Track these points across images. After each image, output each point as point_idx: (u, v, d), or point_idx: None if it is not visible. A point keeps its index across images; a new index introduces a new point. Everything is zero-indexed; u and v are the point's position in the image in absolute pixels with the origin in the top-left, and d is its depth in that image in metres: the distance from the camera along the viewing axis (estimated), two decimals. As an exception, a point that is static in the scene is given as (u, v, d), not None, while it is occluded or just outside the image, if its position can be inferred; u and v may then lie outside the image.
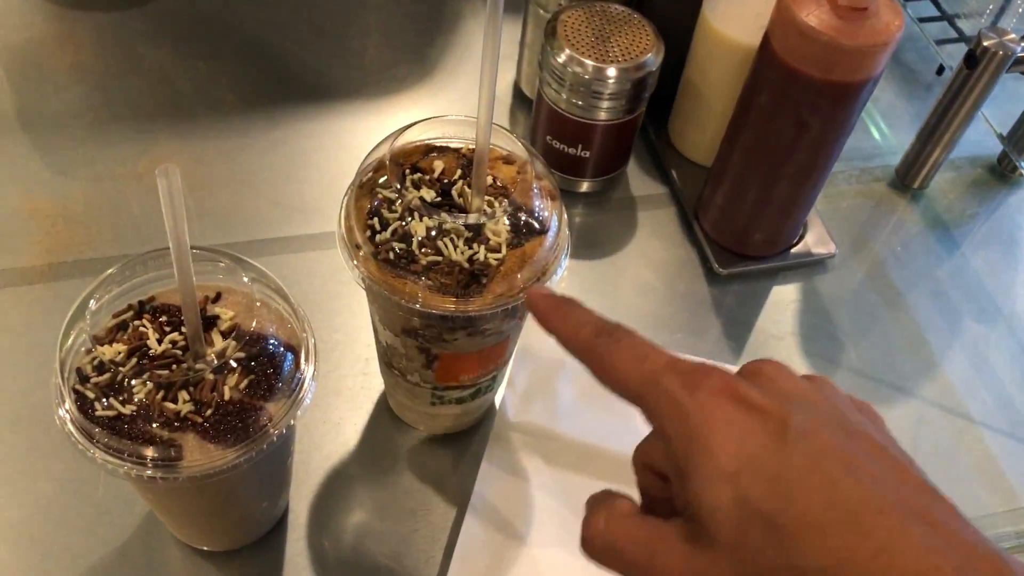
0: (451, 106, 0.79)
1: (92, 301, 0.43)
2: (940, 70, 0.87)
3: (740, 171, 0.66)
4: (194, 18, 0.82)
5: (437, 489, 0.57)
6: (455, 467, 0.59)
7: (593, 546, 0.31)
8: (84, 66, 0.77)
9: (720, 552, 0.27)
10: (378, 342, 0.54)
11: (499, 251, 0.46)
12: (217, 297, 0.47)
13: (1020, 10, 0.85)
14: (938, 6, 0.90)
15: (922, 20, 0.89)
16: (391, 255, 0.46)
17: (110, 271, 0.44)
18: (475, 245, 0.46)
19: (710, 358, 0.64)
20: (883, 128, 0.84)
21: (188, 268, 0.39)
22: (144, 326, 0.45)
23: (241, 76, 0.78)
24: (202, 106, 0.76)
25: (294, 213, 0.70)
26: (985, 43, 0.66)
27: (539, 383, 0.61)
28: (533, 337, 0.63)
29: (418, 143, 0.50)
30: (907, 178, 0.78)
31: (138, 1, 0.82)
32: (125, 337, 0.45)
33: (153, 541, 0.54)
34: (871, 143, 0.83)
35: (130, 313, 0.46)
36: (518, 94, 0.80)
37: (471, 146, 0.50)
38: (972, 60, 0.67)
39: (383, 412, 0.60)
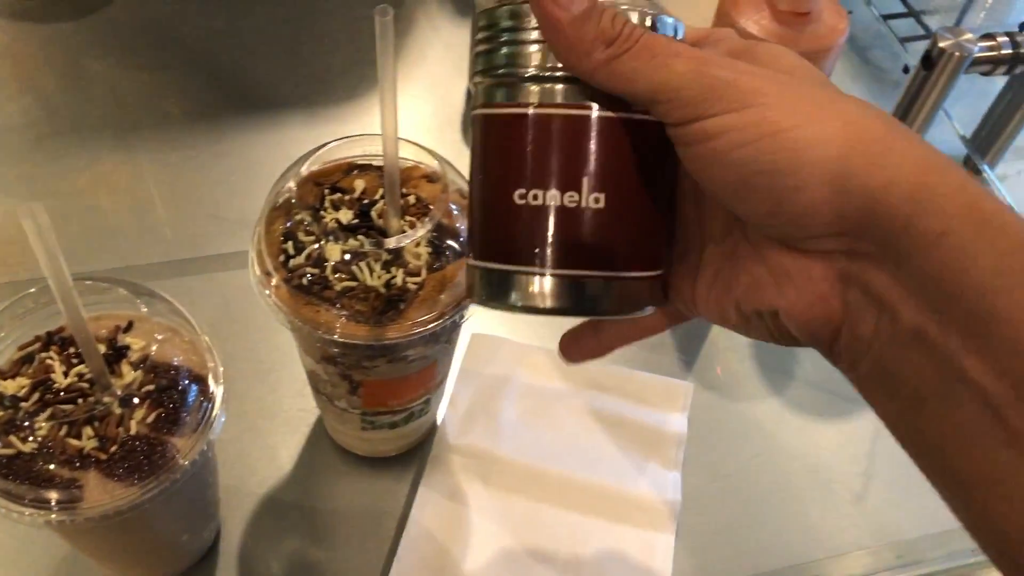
0: (403, 115, 0.77)
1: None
2: (906, 69, 0.85)
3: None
4: (139, 28, 0.81)
5: (374, 515, 0.56)
6: (394, 490, 0.57)
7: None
8: (25, 79, 0.76)
9: None
10: (304, 367, 0.52)
11: (418, 275, 0.45)
12: (129, 326, 0.45)
13: (988, 3, 0.83)
14: (904, 2, 0.88)
15: (888, 17, 0.87)
16: (304, 281, 0.44)
17: (4, 307, 0.43)
18: (393, 268, 0.44)
19: (663, 372, 0.63)
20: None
21: (74, 304, 0.37)
22: (51, 358, 0.44)
23: (187, 87, 0.77)
24: (146, 118, 0.74)
25: (238, 228, 0.68)
26: (941, 44, 0.64)
27: (482, 402, 0.60)
28: (477, 354, 0.62)
29: (340, 161, 0.49)
30: (870, 181, 0.76)
31: (82, 11, 0.81)
32: (30, 370, 0.43)
33: (79, 574, 0.52)
34: (835, 145, 0.81)
35: (37, 345, 0.44)
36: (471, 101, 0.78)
37: (395, 164, 0.48)
38: (928, 61, 0.65)
39: (320, 435, 0.59)
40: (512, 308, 0.31)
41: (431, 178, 0.49)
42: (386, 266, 0.44)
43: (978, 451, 0.25)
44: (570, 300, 0.30)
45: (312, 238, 0.45)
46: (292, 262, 0.45)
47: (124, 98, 0.75)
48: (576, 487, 0.57)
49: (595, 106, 0.29)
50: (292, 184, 0.46)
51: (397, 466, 0.58)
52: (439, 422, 0.59)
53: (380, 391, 0.49)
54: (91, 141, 0.72)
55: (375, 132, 0.48)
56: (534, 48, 0.29)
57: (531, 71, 0.29)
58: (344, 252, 0.44)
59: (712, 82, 0.27)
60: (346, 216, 0.46)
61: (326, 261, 0.44)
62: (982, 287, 0.24)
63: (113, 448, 0.41)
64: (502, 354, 0.62)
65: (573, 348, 0.35)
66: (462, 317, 0.46)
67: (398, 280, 0.44)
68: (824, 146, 0.26)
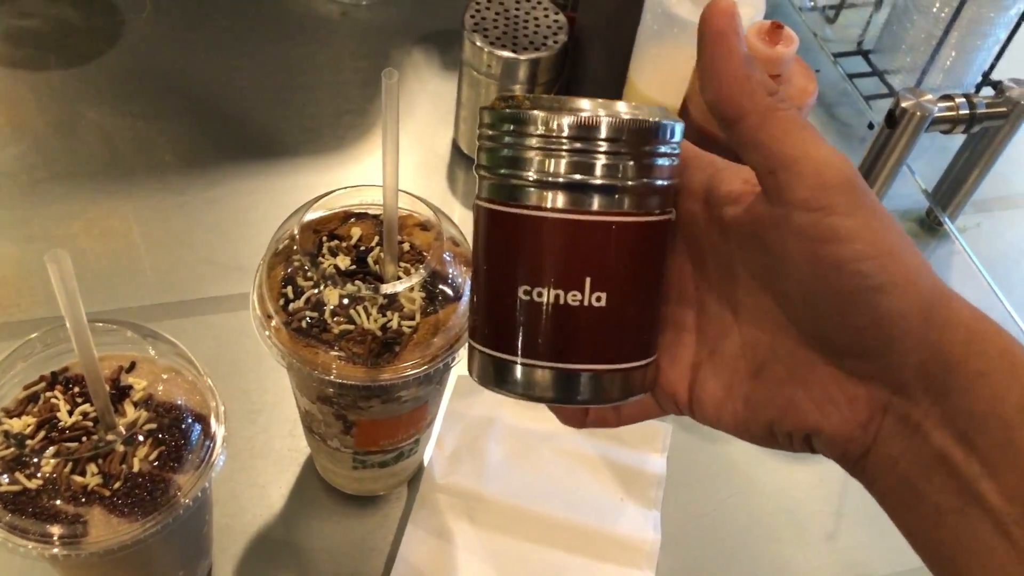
0: (390, 163, 0.79)
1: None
2: (871, 125, 0.89)
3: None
4: (136, 77, 0.83)
5: (363, 553, 0.57)
6: (382, 528, 0.58)
7: None
8: (22, 125, 0.78)
9: None
10: (298, 407, 0.54)
11: (413, 319, 0.47)
12: (132, 367, 0.47)
13: (947, 63, 0.88)
14: (869, 62, 0.92)
15: (854, 76, 0.91)
16: (303, 324, 0.46)
17: (14, 350, 0.44)
18: (389, 313, 0.46)
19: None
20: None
21: (88, 345, 0.39)
22: (56, 397, 0.45)
23: (180, 135, 0.79)
24: (141, 165, 0.76)
25: (230, 272, 0.70)
26: (903, 104, 0.68)
27: (468, 443, 0.62)
28: (462, 396, 0.64)
29: (337, 210, 0.51)
30: (838, 232, 0.80)
31: (78, 61, 0.83)
32: (35, 409, 0.45)
33: (72, 610, 0.53)
34: (805, 197, 0.84)
35: (42, 384, 0.46)
36: (456, 152, 0.81)
37: (389, 213, 0.51)
38: (892, 120, 0.69)
39: (310, 474, 0.60)
40: (511, 394, 0.32)
41: (424, 226, 0.51)
42: (382, 310, 0.46)
43: (989, 564, 0.27)
44: (567, 391, 0.32)
45: (311, 283, 0.47)
46: (292, 306, 0.47)
47: (118, 145, 0.77)
48: (560, 526, 0.58)
49: (596, 211, 0.30)
50: (292, 231, 0.48)
51: (385, 505, 0.59)
52: (426, 462, 0.61)
53: (373, 431, 0.51)
54: (85, 187, 0.74)
55: (368, 183, 0.51)
56: (537, 154, 0.30)
57: (534, 176, 0.30)
58: (342, 296, 0.46)
59: (851, 176, 0.28)
60: (344, 262, 0.48)
61: (325, 305, 0.46)
62: (1007, 421, 0.27)
63: (117, 484, 0.43)
64: (487, 396, 0.64)
65: (578, 419, 0.36)
66: (453, 360, 0.48)
67: (393, 324, 0.46)
68: (922, 278, 0.28)
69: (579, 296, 0.30)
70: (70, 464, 0.43)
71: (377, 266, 0.49)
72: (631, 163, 0.30)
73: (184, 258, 0.71)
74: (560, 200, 0.30)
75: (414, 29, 0.91)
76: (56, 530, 0.41)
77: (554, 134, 0.30)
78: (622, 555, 0.57)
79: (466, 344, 0.48)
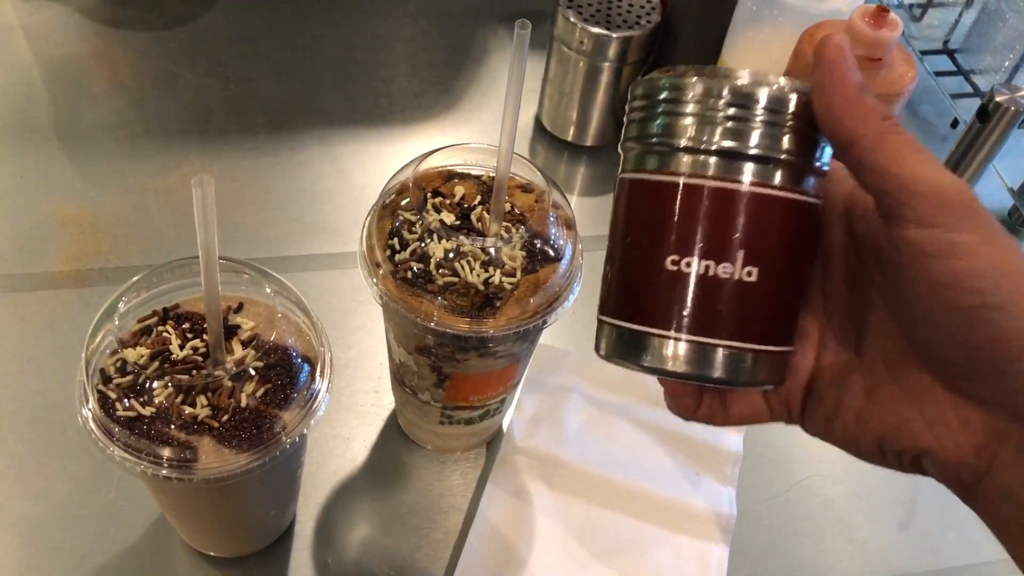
0: (474, 136, 0.81)
1: (121, 303, 0.45)
2: (955, 123, 0.88)
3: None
4: (228, 41, 0.85)
5: (442, 508, 0.58)
6: (460, 487, 0.60)
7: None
8: (120, 82, 0.80)
9: None
10: (391, 360, 0.55)
11: (514, 275, 0.48)
12: (239, 307, 0.48)
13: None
14: (954, 61, 0.92)
15: (938, 74, 0.91)
16: (409, 274, 0.47)
17: (138, 277, 0.46)
18: (491, 269, 0.47)
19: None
20: (896, 177, 0.86)
21: (215, 277, 0.40)
22: (167, 332, 0.47)
23: (271, 99, 0.81)
24: (232, 126, 0.78)
25: (316, 232, 0.72)
26: (997, 98, 0.68)
27: (546, 409, 0.62)
28: (541, 364, 0.65)
29: (440, 169, 0.52)
30: (918, 227, 0.79)
31: (175, 22, 0.85)
32: (148, 341, 0.46)
33: (161, 544, 0.55)
34: (884, 192, 0.84)
35: (154, 319, 0.47)
36: (538, 127, 0.82)
37: (491, 174, 0.52)
38: (984, 115, 0.69)
39: (393, 430, 0.61)
40: (640, 368, 0.32)
41: (526, 188, 0.52)
42: (484, 266, 0.47)
43: None
44: (701, 367, 0.31)
45: (415, 236, 0.48)
46: (398, 257, 0.48)
47: (211, 106, 0.79)
48: (635, 495, 0.59)
49: (759, 182, 0.30)
50: (398, 186, 0.49)
51: (464, 463, 0.61)
52: (505, 427, 0.62)
53: (465, 386, 0.52)
54: (179, 144, 0.76)
55: (467, 142, 0.52)
56: (702, 121, 0.30)
57: (699, 144, 0.30)
58: (447, 250, 0.47)
59: (969, 196, 0.27)
60: (448, 218, 0.49)
61: (430, 257, 0.47)
62: None
63: (225, 417, 0.44)
64: (565, 365, 0.65)
65: (689, 409, 0.35)
66: (551, 317, 0.49)
67: (495, 279, 0.47)
68: None
69: (730, 268, 0.30)
70: (181, 395, 0.44)
71: (480, 223, 0.50)
72: (796, 137, 0.30)
73: (272, 216, 0.72)
74: (722, 169, 0.30)
75: (500, 9, 0.92)
76: (168, 453, 0.43)
77: (720, 100, 0.29)
78: (697, 528, 0.58)
79: (562, 305, 0.49)
